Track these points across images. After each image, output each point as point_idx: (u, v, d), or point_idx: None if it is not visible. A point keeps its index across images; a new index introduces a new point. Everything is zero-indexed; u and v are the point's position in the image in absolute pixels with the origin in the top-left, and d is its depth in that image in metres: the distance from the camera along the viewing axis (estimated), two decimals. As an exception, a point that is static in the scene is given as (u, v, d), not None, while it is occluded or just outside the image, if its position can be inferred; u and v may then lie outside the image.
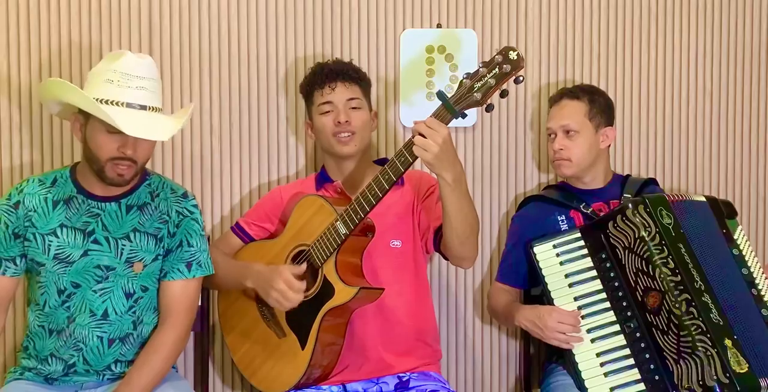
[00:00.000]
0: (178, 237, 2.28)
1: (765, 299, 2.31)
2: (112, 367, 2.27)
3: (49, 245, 2.22)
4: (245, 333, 2.47)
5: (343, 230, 2.23)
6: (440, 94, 2.10)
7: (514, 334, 2.85)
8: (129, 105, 2.12)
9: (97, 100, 2.11)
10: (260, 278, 2.30)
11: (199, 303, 2.57)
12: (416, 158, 2.11)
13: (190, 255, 2.29)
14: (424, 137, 2.06)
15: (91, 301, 2.23)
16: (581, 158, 2.54)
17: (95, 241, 2.23)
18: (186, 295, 2.30)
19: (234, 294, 2.50)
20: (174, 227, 2.28)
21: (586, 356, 2.30)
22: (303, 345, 2.30)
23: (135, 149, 2.16)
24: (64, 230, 2.22)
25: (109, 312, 2.23)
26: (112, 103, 2.12)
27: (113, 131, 2.11)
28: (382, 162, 2.53)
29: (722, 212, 2.44)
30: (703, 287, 2.24)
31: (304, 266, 2.29)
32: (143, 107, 2.13)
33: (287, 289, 2.23)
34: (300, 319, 2.31)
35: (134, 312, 2.26)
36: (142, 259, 2.25)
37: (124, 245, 2.24)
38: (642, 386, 2.24)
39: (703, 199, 2.44)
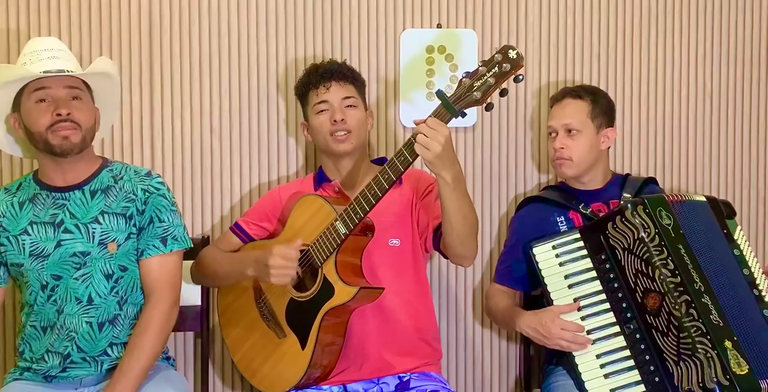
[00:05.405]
0: (148, 214, 2.29)
1: (766, 299, 2.30)
2: (108, 352, 2.27)
3: (23, 244, 2.25)
4: (245, 333, 2.47)
5: (342, 229, 2.23)
6: (440, 94, 2.09)
7: (515, 335, 2.85)
8: (47, 72, 2.20)
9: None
10: (258, 262, 2.30)
11: (199, 303, 2.59)
12: (416, 157, 2.11)
13: (164, 231, 2.30)
14: (426, 136, 2.06)
15: (74, 289, 2.24)
16: (582, 157, 2.53)
17: (66, 230, 2.25)
18: (165, 270, 2.30)
19: (233, 294, 2.50)
20: (142, 204, 2.29)
21: (586, 357, 2.28)
22: (303, 345, 2.30)
23: (69, 108, 2.20)
24: (35, 226, 2.25)
25: (93, 297, 2.25)
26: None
27: (41, 100, 2.19)
28: (379, 161, 2.53)
29: (722, 212, 2.42)
30: (703, 289, 2.22)
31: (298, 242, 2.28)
32: (61, 71, 2.21)
33: (284, 260, 2.22)
34: (300, 319, 2.31)
35: (117, 293, 2.27)
36: (115, 239, 2.26)
37: (95, 229, 2.25)
38: (642, 387, 2.22)
39: (704, 199, 2.42)
